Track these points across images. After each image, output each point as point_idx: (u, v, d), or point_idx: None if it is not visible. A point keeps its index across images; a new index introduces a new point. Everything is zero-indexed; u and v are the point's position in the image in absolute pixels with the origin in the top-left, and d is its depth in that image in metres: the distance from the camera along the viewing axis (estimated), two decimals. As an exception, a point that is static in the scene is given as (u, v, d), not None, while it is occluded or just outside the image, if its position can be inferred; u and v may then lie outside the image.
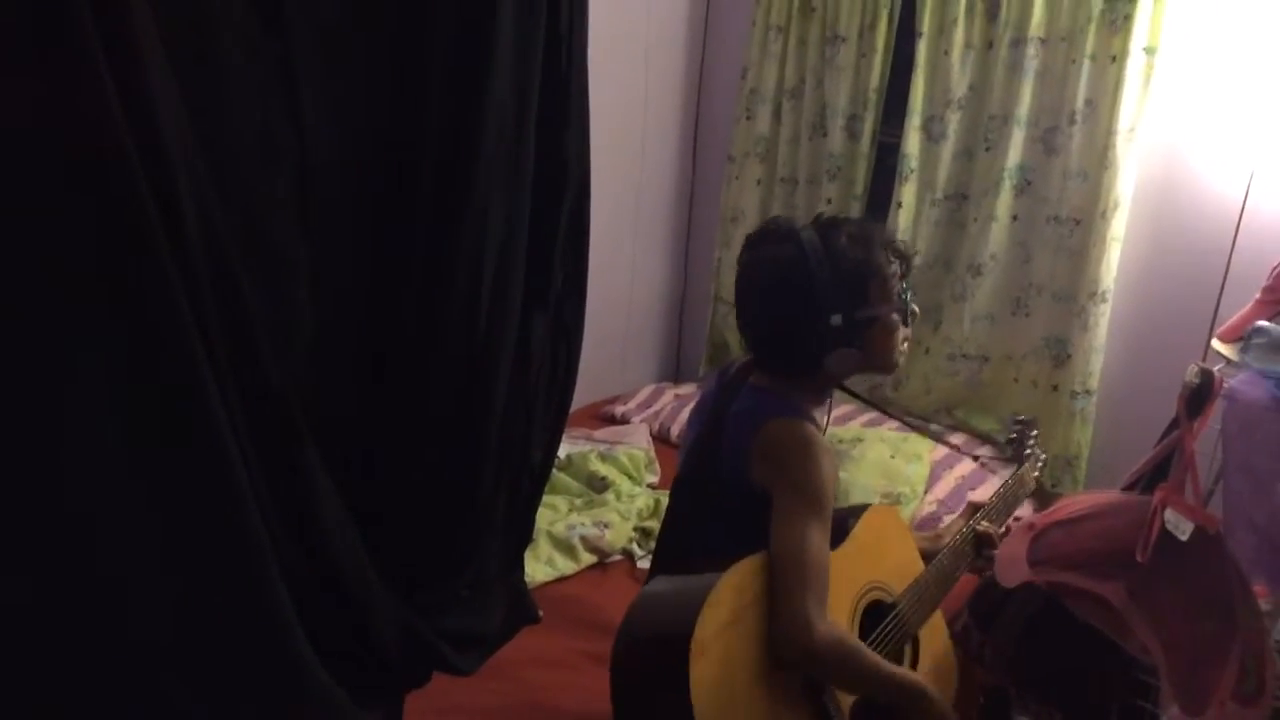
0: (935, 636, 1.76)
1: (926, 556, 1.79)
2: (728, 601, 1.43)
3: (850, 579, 1.60)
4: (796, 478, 1.51)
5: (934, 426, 3.10)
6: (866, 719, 1.56)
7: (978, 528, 1.84)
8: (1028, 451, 2.03)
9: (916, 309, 1.68)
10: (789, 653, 1.43)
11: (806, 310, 1.57)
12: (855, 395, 1.87)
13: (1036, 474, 2.04)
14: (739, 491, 1.57)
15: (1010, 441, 2.06)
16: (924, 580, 1.72)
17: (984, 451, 2.99)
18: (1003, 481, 2.03)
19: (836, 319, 1.56)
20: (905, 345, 1.67)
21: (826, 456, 1.55)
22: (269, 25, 0.92)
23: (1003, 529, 1.90)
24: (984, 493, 2.73)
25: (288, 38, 0.94)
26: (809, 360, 1.61)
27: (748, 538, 1.51)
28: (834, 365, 1.60)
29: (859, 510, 1.70)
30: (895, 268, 1.63)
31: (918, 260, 3.09)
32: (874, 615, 1.62)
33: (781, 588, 1.44)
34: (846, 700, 1.54)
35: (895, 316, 1.62)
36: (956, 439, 3.04)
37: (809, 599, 1.42)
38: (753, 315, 1.66)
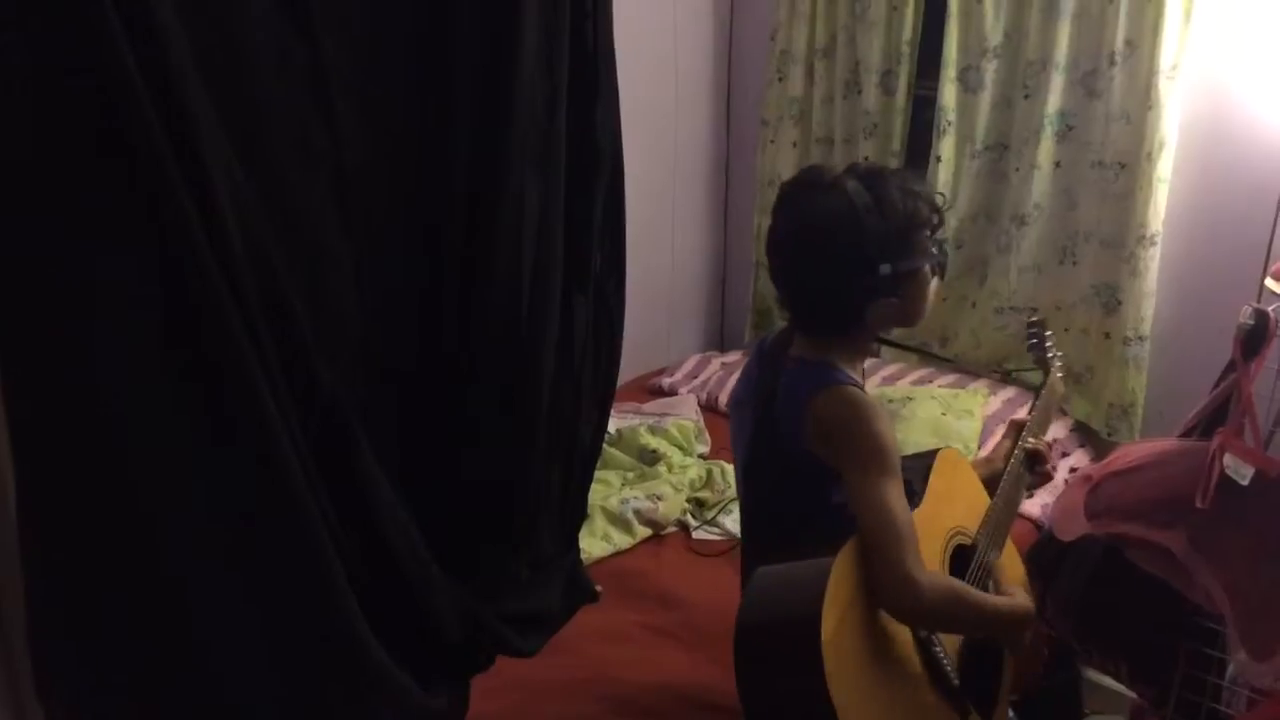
0: (1012, 564, 1.78)
1: (986, 484, 1.81)
2: (843, 585, 1.46)
3: (934, 533, 1.62)
4: (858, 446, 1.52)
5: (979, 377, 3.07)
6: (972, 660, 1.60)
7: (1026, 445, 1.83)
8: (1050, 355, 2.00)
9: (946, 262, 1.69)
10: (901, 614, 1.46)
11: (855, 261, 1.57)
12: (903, 346, 1.86)
13: (1060, 375, 2.00)
14: (801, 458, 1.59)
15: (1031, 347, 2.03)
16: (994, 512, 1.73)
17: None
18: (1035, 393, 2.00)
19: (886, 269, 1.57)
20: (933, 298, 1.69)
21: (880, 415, 1.56)
22: (300, 32, 0.93)
23: (1048, 440, 1.89)
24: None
25: (318, 43, 0.95)
26: (853, 312, 1.61)
27: (817, 494, 1.57)
28: (873, 316, 1.61)
29: (925, 457, 1.72)
30: (935, 219, 1.64)
31: (961, 214, 3.05)
32: (959, 560, 1.64)
33: (877, 555, 1.45)
34: (951, 647, 1.57)
35: (929, 268, 1.64)
36: (1007, 393, 3.01)
37: (906, 556, 1.43)
38: (797, 271, 1.66)
